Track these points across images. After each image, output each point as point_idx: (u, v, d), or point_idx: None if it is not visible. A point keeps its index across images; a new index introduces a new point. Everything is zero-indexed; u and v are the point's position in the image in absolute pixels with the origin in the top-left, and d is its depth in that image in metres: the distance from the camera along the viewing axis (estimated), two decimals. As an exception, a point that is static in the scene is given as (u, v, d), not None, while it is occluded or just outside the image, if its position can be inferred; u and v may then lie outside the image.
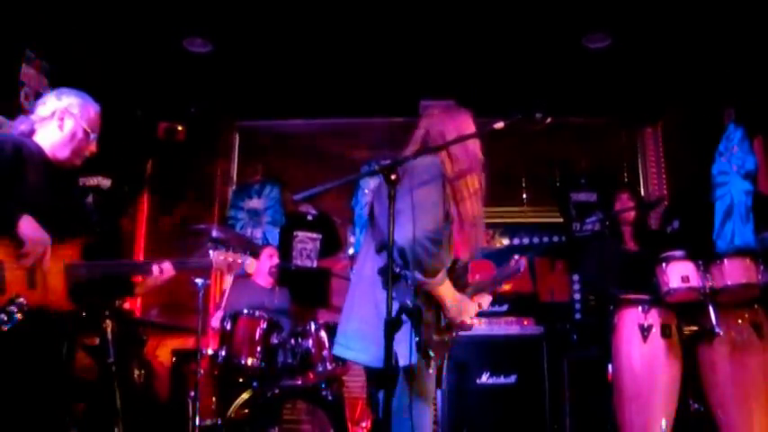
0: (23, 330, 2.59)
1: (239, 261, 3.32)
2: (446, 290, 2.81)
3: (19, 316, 2.55)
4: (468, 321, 2.93)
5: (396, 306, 2.52)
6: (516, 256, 3.71)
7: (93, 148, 3.06)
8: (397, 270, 2.59)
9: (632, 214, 4.58)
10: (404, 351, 2.59)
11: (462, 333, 5.16)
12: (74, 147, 2.98)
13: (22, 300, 2.58)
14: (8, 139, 2.84)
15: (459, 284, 3.05)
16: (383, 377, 2.51)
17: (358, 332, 2.85)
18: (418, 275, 2.66)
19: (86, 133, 3.01)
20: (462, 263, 3.08)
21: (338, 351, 2.97)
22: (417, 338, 2.58)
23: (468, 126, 3.01)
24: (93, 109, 3.07)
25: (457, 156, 2.87)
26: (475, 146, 2.98)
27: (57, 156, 2.95)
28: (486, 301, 3.21)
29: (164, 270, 3.10)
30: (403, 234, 2.61)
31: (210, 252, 3.36)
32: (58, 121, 2.95)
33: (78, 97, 3.04)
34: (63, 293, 2.76)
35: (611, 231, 4.56)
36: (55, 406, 2.75)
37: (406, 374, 2.71)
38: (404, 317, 2.49)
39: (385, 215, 2.60)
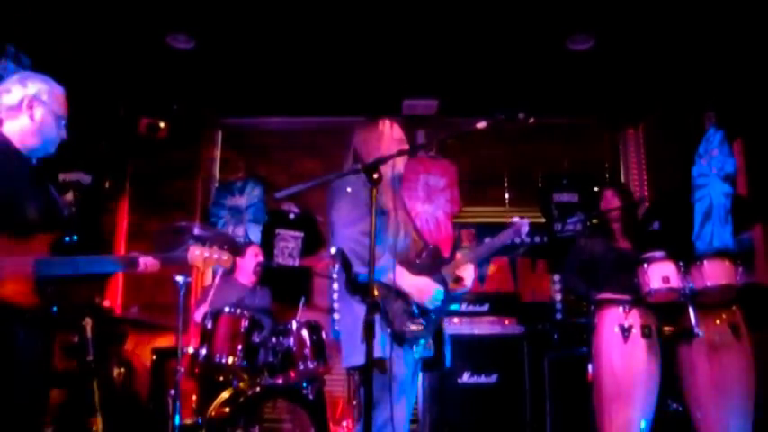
0: None
1: (215, 256, 3.23)
2: (397, 277, 2.95)
3: None
4: (435, 302, 3.03)
5: (364, 308, 2.79)
6: (516, 218, 3.62)
7: (63, 134, 2.94)
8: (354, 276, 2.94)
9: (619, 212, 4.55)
10: (376, 344, 2.78)
11: (444, 332, 5.21)
12: (46, 135, 2.86)
13: None
14: None
15: (433, 267, 3.17)
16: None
17: (342, 341, 3.10)
18: (360, 269, 2.92)
19: (57, 119, 2.89)
20: (431, 249, 3.23)
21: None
22: (389, 329, 2.88)
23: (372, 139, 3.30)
24: (60, 93, 2.94)
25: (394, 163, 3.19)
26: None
27: (28, 145, 2.83)
28: (468, 274, 3.24)
29: (148, 265, 3.01)
30: (336, 237, 3.01)
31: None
32: (27, 110, 2.81)
33: (45, 83, 2.91)
34: (28, 288, 2.63)
35: (601, 230, 4.48)
36: (26, 403, 2.68)
37: (381, 366, 2.90)
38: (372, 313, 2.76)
39: None
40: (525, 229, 3.53)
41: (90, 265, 2.90)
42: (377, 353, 2.83)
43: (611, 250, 4.34)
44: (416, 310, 3.01)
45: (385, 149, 3.18)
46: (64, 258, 2.78)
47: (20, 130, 2.81)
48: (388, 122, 3.34)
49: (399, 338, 2.91)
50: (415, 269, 3.08)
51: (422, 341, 3.01)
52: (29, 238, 2.68)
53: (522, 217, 3.61)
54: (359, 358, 2.92)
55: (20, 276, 2.61)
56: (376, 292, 2.80)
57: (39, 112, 2.84)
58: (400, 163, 3.33)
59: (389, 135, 3.30)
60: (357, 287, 3.00)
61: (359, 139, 3.33)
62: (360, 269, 2.94)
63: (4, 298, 2.56)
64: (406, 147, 3.37)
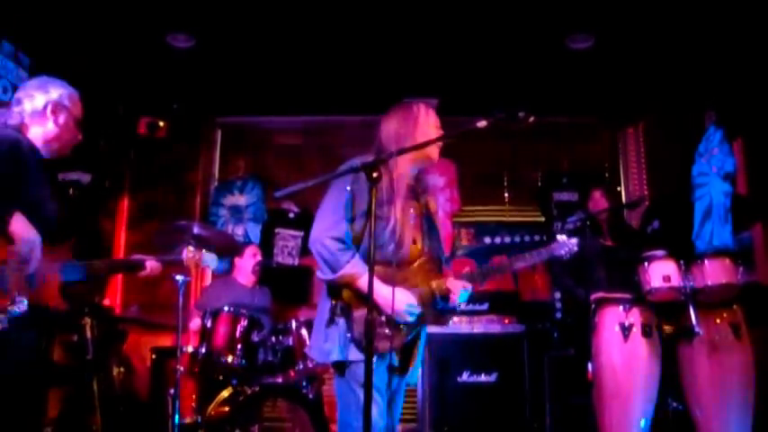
0: (20, 329, 2.57)
1: (204, 257, 3.79)
2: (364, 284, 2.67)
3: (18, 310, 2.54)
4: (405, 316, 2.81)
5: (327, 310, 2.81)
6: (562, 237, 3.29)
7: (80, 136, 3.01)
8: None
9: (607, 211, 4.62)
10: (335, 347, 2.76)
11: (444, 330, 5.20)
12: (67, 139, 2.94)
13: (24, 300, 2.54)
14: (6, 136, 2.73)
15: (422, 278, 2.96)
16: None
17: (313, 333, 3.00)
18: (322, 274, 2.85)
19: (77, 123, 2.96)
20: (424, 258, 3.00)
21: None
22: (349, 334, 2.76)
23: (406, 126, 3.00)
24: (77, 96, 3.00)
25: (396, 161, 2.90)
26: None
27: (50, 149, 2.89)
28: (457, 288, 2.95)
29: (153, 268, 3.27)
30: (309, 237, 2.92)
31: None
32: (52, 116, 2.87)
33: (65, 88, 2.97)
34: (57, 292, 2.74)
35: (591, 228, 4.51)
36: (32, 404, 2.73)
37: (340, 369, 2.82)
38: (336, 316, 2.77)
39: None
40: (572, 249, 3.25)
41: (104, 268, 3.17)
42: (334, 356, 2.77)
43: (599, 248, 4.42)
44: (384, 321, 2.80)
45: (420, 136, 2.93)
46: (82, 262, 2.92)
47: (44, 134, 2.87)
48: (423, 107, 3.06)
49: (358, 345, 2.73)
50: (399, 279, 2.86)
51: (385, 352, 2.80)
52: (55, 242, 2.76)
53: (569, 237, 3.30)
54: (314, 355, 2.92)
55: (50, 281, 2.72)
56: (345, 295, 2.78)
57: (63, 118, 2.90)
58: (415, 163, 3.04)
59: (425, 121, 3.02)
60: (328, 289, 2.88)
61: (390, 125, 3.02)
62: (322, 275, 2.84)
63: (38, 302, 2.63)
64: (441, 134, 3.04)
